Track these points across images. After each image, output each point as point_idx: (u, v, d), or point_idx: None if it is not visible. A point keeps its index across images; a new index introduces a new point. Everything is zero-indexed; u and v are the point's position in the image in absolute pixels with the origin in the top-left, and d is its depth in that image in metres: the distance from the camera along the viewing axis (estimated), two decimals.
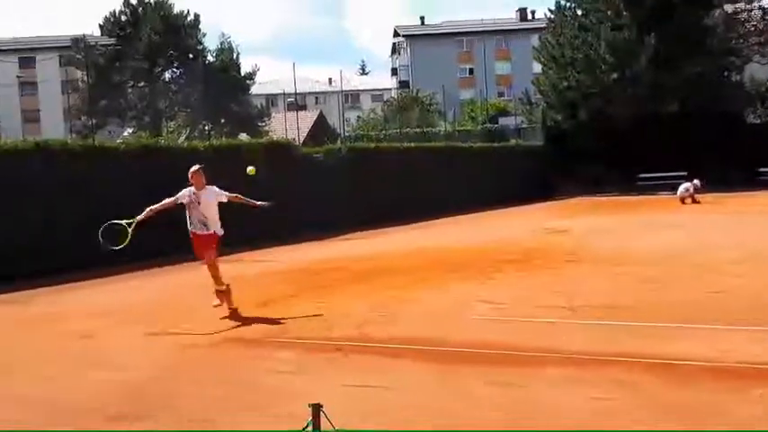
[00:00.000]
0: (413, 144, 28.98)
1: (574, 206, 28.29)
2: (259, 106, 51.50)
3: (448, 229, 21.47)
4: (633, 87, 34.23)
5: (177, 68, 48.49)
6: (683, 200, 25.51)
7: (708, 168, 26.37)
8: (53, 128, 55.22)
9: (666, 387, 6.03)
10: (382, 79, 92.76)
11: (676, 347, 7.07)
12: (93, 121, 29.44)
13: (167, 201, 9.76)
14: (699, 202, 25.24)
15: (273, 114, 49.50)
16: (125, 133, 41.87)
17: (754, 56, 36.66)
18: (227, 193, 10.04)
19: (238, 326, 9.03)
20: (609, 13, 35.53)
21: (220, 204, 10.00)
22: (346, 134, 35.88)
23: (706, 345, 7.15)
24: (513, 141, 36.59)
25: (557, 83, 37.01)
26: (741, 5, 36.63)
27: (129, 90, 47.30)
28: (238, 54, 50.16)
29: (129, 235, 9.35)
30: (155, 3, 48.60)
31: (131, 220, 9.50)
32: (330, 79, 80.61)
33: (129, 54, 46.40)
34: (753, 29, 36.73)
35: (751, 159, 32.15)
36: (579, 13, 37.62)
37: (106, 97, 43.25)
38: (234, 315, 9.54)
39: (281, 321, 9.14)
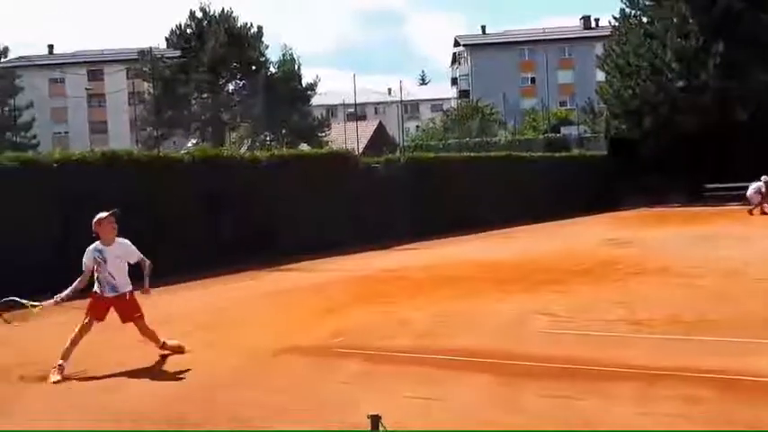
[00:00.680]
0: (472, 154, 28.84)
1: (638, 217, 27.78)
2: (319, 117, 51.99)
3: (508, 240, 21.29)
4: (700, 95, 33.47)
5: (240, 80, 49.28)
6: (751, 211, 24.85)
7: None
8: (120, 139, 56.66)
9: (733, 404, 5.85)
10: (442, 89, 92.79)
11: (744, 363, 6.86)
12: (159, 132, 30.08)
13: (79, 281, 7.90)
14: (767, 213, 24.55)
15: (333, 125, 49.91)
16: (189, 144, 42.67)
17: None
18: (138, 253, 8.06)
19: (300, 335, 9.08)
20: (675, 20, 34.83)
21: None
22: (405, 144, 35.90)
23: None
24: (575, 151, 36.12)
25: (621, 91, 36.42)
26: None
27: (194, 101, 48.23)
28: (300, 65, 50.81)
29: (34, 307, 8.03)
30: (219, 16, 49.52)
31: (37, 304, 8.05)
32: (390, 89, 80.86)
33: (194, 66, 47.33)
34: None
35: None
36: (644, 20, 37.00)
37: (171, 108, 44.19)
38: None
39: (343, 331, 9.16)
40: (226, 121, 45.48)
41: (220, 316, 10.89)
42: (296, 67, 50.69)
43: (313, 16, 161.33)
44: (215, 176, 16.98)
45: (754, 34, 33.13)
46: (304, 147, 36.66)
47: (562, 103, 70.28)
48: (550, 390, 6.41)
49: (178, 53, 48.95)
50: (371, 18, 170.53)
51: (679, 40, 34.14)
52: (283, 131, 41.67)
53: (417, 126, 65.53)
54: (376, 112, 76.32)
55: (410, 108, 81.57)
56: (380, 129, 50.92)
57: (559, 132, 43.25)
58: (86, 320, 7.79)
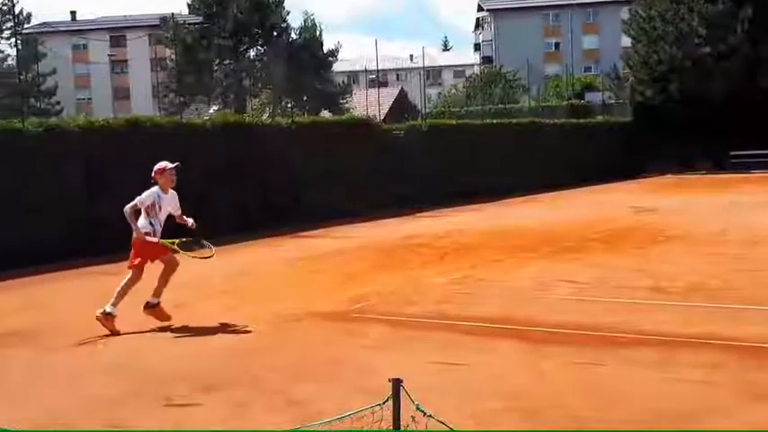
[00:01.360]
0: (494, 121, 28.62)
1: (663, 184, 27.54)
2: (341, 83, 51.80)
3: (530, 207, 21.20)
4: (727, 62, 32.92)
5: (262, 46, 49.12)
6: None
7: None
8: (143, 105, 56.78)
9: (756, 371, 5.83)
10: (465, 55, 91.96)
11: (765, 331, 6.82)
12: (181, 98, 30.10)
13: (132, 209, 8.03)
14: None
15: (355, 91, 49.71)
16: (210, 110, 42.71)
17: None
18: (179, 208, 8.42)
19: (323, 300, 9.13)
20: None
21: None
22: (427, 111, 35.71)
23: None
24: (599, 117, 35.74)
25: (647, 57, 35.90)
26: None
27: (215, 68, 48.17)
28: (321, 31, 50.54)
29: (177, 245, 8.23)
30: None
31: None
32: (411, 56, 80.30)
33: (216, 32, 47.20)
34: None
35: None
36: None
37: (193, 75, 44.17)
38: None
39: (365, 297, 9.20)
40: (247, 88, 45.41)
41: (243, 281, 10.97)
42: (318, 33, 50.44)
43: None
44: (237, 142, 17.00)
45: None
46: (326, 113, 36.57)
47: (587, 69, 69.39)
48: (574, 356, 6.42)
49: (200, 19, 48.83)
50: None
51: (706, 4, 33.52)
52: (305, 98, 41.56)
53: (439, 93, 65.03)
54: (398, 79, 75.94)
55: (432, 74, 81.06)
56: (402, 95, 50.64)
57: (584, 99, 42.74)
58: (136, 267, 8.01)
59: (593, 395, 5.49)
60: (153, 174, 8.19)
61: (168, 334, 7.82)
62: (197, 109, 40.54)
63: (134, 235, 8.00)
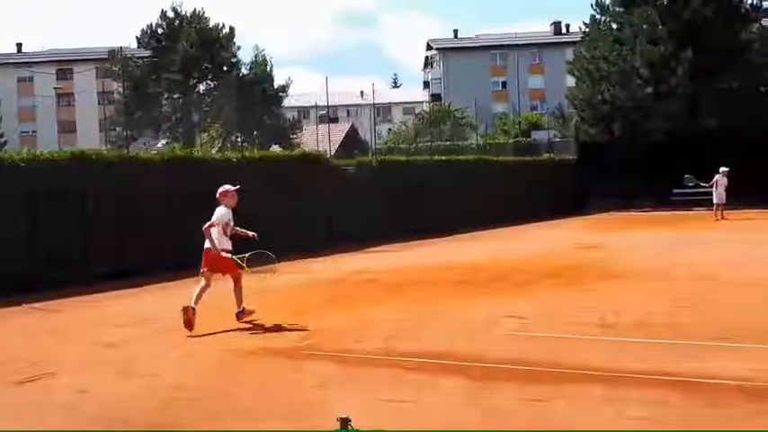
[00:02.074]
0: (443, 157, 28.94)
1: (607, 222, 28.04)
2: (291, 118, 51.89)
3: (477, 243, 21.38)
4: (669, 102, 33.91)
5: (211, 81, 49.05)
6: (715, 215, 25.27)
7: (744, 185, 25.94)
8: (89, 138, 56.05)
9: (699, 407, 5.93)
10: (414, 92, 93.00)
11: (710, 366, 6.95)
12: (129, 132, 29.82)
13: (218, 229, 9.58)
14: (726, 219, 24.97)
15: (305, 126, 49.83)
16: (159, 144, 42.35)
17: None
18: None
19: (270, 336, 9.05)
20: (645, 26, 35.28)
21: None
22: (377, 147, 35.96)
23: (740, 363, 7.03)
24: (545, 155, 36.40)
25: (591, 97, 36.78)
26: None
27: (164, 102, 47.89)
28: (272, 67, 50.70)
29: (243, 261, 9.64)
30: (191, 16, 49.24)
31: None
32: (362, 92, 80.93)
33: (165, 66, 47.00)
34: None
35: None
36: (614, 26, 37.42)
37: (141, 109, 43.88)
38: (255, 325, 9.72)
39: (313, 332, 9.14)
40: (197, 122, 45.22)
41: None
42: (268, 68, 50.57)
43: (285, 18, 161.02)
44: (185, 177, 16.86)
45: (722, 41, 33.67)
46: (276, 148, 36.53)
47: (533, 108, 70.88)
48: (522, 392, 6.45)
49: (149, 53, 48.61)
50: (344, 20, 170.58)
51: (648, 46, 34.55)
52: (255, 133, 41.50)
53: (389, 129, 65.58)
54: (348, 115, 76.36)
55: (382, 111, 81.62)
56: (353, 131, 50.96)
57: (530, 137, 43.56)
58: (204, 275, 9.56)
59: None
60: (218, 195, 9.67)
61: (115, 371, 7.66)
62: (145, 143, 40.21)
63: (206, 246, 9.41)
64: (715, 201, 25.79)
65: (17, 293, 12.59)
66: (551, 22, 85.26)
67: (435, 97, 77.64)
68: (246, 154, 20.74)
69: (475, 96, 41.48)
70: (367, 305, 11.20)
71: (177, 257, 16.03)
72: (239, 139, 27.19)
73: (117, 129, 39.99)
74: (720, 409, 5.85)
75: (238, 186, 9.83)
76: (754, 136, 32.06)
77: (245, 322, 9.77)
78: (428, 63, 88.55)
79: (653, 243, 19.29)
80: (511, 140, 41.83)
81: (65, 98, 71.93)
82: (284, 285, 13.36)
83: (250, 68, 50.06)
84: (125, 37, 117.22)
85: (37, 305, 12.08)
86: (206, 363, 7.86)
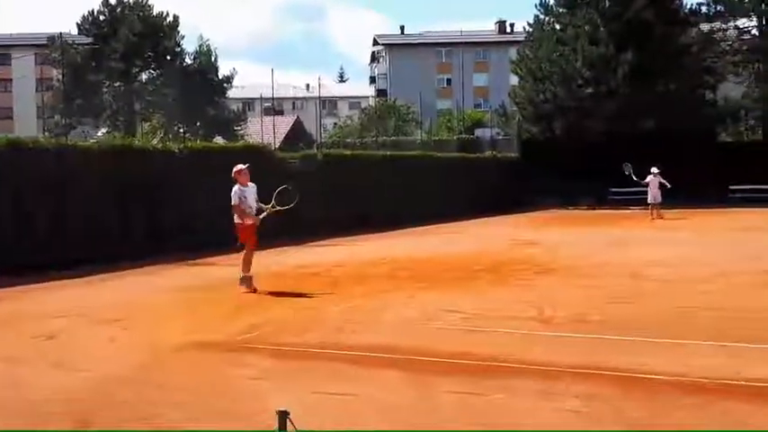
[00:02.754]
0: (388, 153, 29.01)
1: (547, 218, 28.47)
2: (236, 110, 51.32)
3: (420, 238, 21.51)
4: (608, 102, 34.56)
5: (154, 70, 48.19)
6: (651, 215, 25.84)
7: (679, 185, 26.62)
8: (26, 126, 54.62)
9: (633, 401, 6.08)
10: (360, 87, 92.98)
11: (644, 361, 7.12)
12: (68, 120, 29.17)
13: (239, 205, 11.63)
14: (661, 218, 25.56)
15: (250, 119, 49.34)
16: (99, 133, 41.50)
17: (728, 75, 37.20)
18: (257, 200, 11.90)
19: (209, 330, 8.97)
20: (586, 27, 35.88)
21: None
22: (323, 140, 35.88)
23: (674, 359, 7.22)
24: (488, 153, 36.77)
25: (533, 96, 37.28)
26: (717, 25, 37.16)
27: (105, 90, 46.92)
28: (216, 57, 50.02)
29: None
30: (133, 3, 48.30)
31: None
32: (308, 85, 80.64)
33: (106, 54, 46.04)
34: (728, 48, 37.28)
35: (722, 177, 32.55)
36: (557, 27, 37.96)
37: (81, 97, 42.89)
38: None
39: (253, 326, 9.10)
40: (138, 111, 44.43)
41: (129, 310, 10.63)
42: (212, 58, 49.89)
43: (232, 8, 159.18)
44: (125, 166, 16.59)
45: (662, 44, 34.45)
46: (219, 140, 36.13)
47: (477, 106, 71.45)
48: (459, 386, 6.53)
49: (90, 40, 47.54)
50: (292, 12, 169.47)
51: (590, 47, 35.14)
52: (198, 124, 40.96)
53: (335, 123, 65.40)
54: (294, 108, 75.92)
55: (328, 105, 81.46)
56: (298, 124, 50.65)
57: (473, 134, 43.94)
58: (251, 244, 11.58)
59: (477, 424, 5.61)
60: (233, 174, 11.67)
61: (45, 365, 7.51)
62: (84, 132, 39.36)
63: (236, 221, 11.52)
64: (649, 200, 26.37)
65: None
66: (496, 21, 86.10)
67: (381, 92, 77.72)
68: (188, 144, 20.49)
69: (420, 92, 41.64)
70: (310, 299, 11.19)
71: (117, 248, 15.83)
72: (182, 130, 26.80)
73: (55, 116, 39.06)
74: (654, 403, 6.01)
75: (248, 165, 11.81)
76: (690, 137, 32.94)
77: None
78: (375, 58, 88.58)
79: (590, 240, 19.66)
80: (454, 137, 42.11)
81: (2, 83, 69.98)
82: (225, 278, 13.26)
83: (194, 58, 49.31)
84: (65, 23, 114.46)
85: None
86: (140, 358, 7.75)
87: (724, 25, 37.13)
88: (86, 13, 48.56)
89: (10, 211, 14.37)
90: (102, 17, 48.38)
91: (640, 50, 34.00)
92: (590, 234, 21.55)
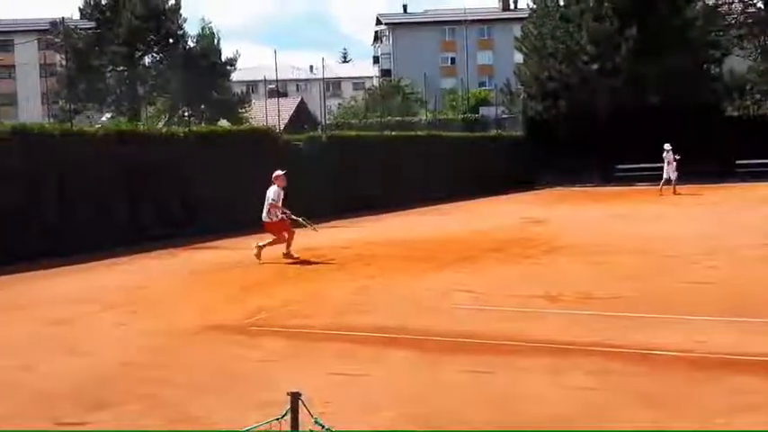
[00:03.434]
0: (393, 133, 28.93)
1: (553, 197, 28.42)
2: (239, 93, 51.16)
3: (427, 218, 21.51)
4: (614, 78, 34.35)
5: (157, 53, 48.00)
6: (661, 190, 25.77)
7: (686, 161, 26.52)
8: (30, 112, 54.63)
9: (643, 377, 6.10)
10: (364, 67, 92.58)
11: (653, 337, 7.14)
12: (72, 105, 29.15)
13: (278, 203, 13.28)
14: (679, 194, 25.48)
15: (254, 101, 49.19)
16: (103, 118, 41.47)
17: (733, 49, 36.91)
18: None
19: (219, 313, 9.01)
20: (591, 3, 35.57)
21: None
22: (327, 122, 35.82)
23: (682, 335, 7.23)
24: (493, 131, 36.62)
25: (538, 73, 37.05)
26: None
27: (109, 75, 46.78)
28: (219, 40, 49.76)
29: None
30: None
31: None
32: (312, 66, 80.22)
33: (109, 38, 45.87)
34: (733, 22, 36.96)
35: (729, 152, 32.40)
36: (561, 3, 37.64)
37: (85, 82, 42.78)
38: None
39: (263, 309, 9.13)
40: (142, 96, 44.34)
41: (138, 294, 10.69)
42: (215, 41, 49.65)
43: None
44: (131, 151, 16.58)
45: (666, 19, 34.17)
46: (224, 123, 36.07)
47: (481, 84, 71.04)
48: (468, 365, 6.56)
49: (92, 25, 47.35)
50: None
51: (594, 23, 34.88)
52: (202, 107, 40.87)
53: (339, 104, 65.18)
54: (298, 89, 75.63)
55: (332, 86, 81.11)
56: (302, 106, 50.50)
57: (478, 113, 43.73)
58: (289, 232, 13.29)
59: (487, 402, 5.63)
60: (273, 178, 13.39)
61: (59, 349, 7.56)
62: (89, 117, 39.33)
63: (270, 220, 13.17)
64: (664, 176, 26.25)
65: None
66: None
67: (385, 72, 77.39)
68: (194, 128, 20.47)
69: (424, 72, 41.44)
70: (319, 281, 11.22)
71: (125, 233, 15.86)
72: (186, 114, 26.74)
73: (60, 102, 39.02)
74: (664, 379, 6.03)
75: (285, 171, 13.53)
76: (696, 112, 32.75)
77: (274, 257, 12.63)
78: (378, 38, 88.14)
79: (596, 218, 19.63)
80: (459, 116, 41.92)
81: (5, 70, 69.93)
82: (233, 262, 13.32)
83: (197, 41, 49.08)
84: (68, 8, 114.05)
85: None
86: (153, 341, 7.79)
87: None
88: None
89: (21, 199, 14.38)
90: (103, 1, 48.16)
91: (645, 26, 33.71)
92: (596, 211, 21.51)
